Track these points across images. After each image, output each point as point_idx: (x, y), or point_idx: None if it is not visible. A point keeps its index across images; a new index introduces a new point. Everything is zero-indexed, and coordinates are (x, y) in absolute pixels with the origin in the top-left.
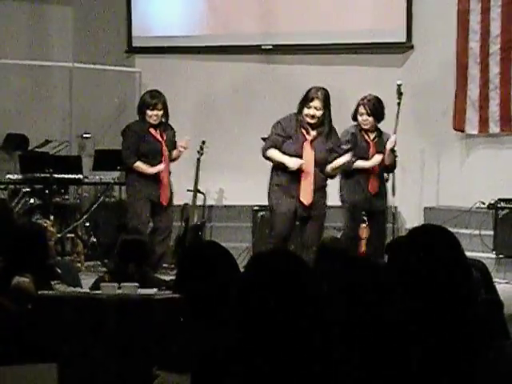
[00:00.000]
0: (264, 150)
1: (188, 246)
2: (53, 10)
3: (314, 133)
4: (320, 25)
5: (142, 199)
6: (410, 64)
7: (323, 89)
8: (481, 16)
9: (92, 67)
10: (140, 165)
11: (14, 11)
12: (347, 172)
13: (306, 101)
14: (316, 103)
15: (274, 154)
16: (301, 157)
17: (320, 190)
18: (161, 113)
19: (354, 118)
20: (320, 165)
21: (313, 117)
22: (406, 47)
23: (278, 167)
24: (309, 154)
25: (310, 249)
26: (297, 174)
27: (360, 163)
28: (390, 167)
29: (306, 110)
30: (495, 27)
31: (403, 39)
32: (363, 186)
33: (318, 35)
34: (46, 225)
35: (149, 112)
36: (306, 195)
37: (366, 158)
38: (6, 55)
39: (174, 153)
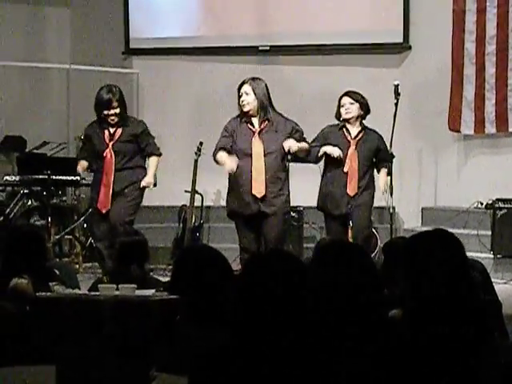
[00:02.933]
0: (213, 155)
1: (181, 249)
2: (50, 12)
3: (257, 123)
4: (317, 25)
5: (91, 210)
6: (408, 65)
7: (255, 78)
8: (476, 16)
9: (89, 69)
10: (81, 162)
11: (11, 13)
12: (315, 160)
13: (238, 92)
14: (244, 88)
15: (218, 156)
16: (250, 152)
17: (274, 183)
18: (117, 110)
19: (337, 116)
20: (270, 155)
21: (243, 102)
22: (403, 48)
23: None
24: (258, 146)
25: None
26: (248, 171)
27: (324, 148)
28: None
29: (239, 101)
30: (491, 28)
31: (400, 40)
32: (340, 188)
33: (315, 36)
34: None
35: (105, 111)
36: (259, 187)
37: (342, 161)
38: (4, 57)
39: (153, 167)
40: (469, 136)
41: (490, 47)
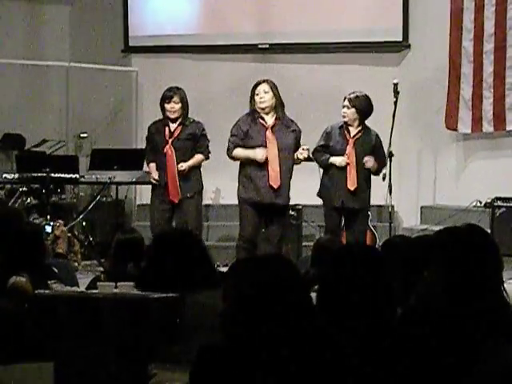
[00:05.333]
0: (229, 152)
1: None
2: (49, 9)
3: (271, 120)
4: (317, 24)
5: (154, 201)
6: (407, 63)
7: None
8: (474, 15)
9: (88, 66)
10: (151, 167)
11: (10, 10)
12: (324, 167)
13: (253, 91)
14: (263, 86)
15: (239, 152)
16: (265, 145)
17: (286, 177)
18: (178, 106)
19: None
20: (283, 151)
21: (262, 99)
22: (402, 46)
23: (246, 161)
24: (271, 141)
25: (275, 240)
26: (263, 164)
27: (332, 159)
28: (373, 171)
29: (256, 98)
30: (489, 26)
31: (400, 38)
32: (340, 182)
33: (314, 34)
34: (58, 224)
35: (166, 106)
36: (274, 178)
37: (342, 155)
38: (3, 54)
39: (194, 159)
40: (468, 135)
41: (488, 45)
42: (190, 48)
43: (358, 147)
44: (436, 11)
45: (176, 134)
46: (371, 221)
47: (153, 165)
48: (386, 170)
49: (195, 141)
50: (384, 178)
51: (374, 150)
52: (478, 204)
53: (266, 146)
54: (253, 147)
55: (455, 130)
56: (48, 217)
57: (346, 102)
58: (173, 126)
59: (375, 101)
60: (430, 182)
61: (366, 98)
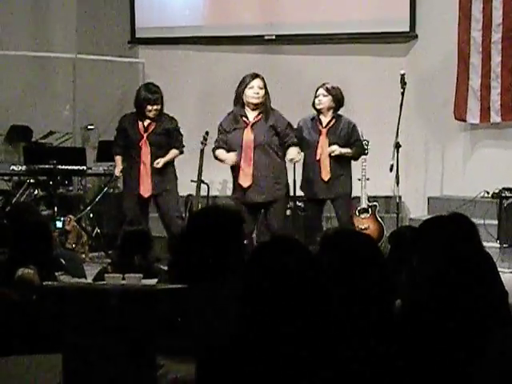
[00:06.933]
0: (213, 151)
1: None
2: (56, 1)
3: (252, 116)
4: (323, 14)
5: (126, 193)
6: (414, 54)
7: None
8: (483, 5)
9: (95, 58)
10: (117, 159)
11: (16, 2)
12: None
13: (245, 84)
14: (258, 82)
15: (218, 153)
16: (241, 144)
17: (265, 173)
18: (159, 106)
19: (313, 104)
20: (261, 147)
21: (257, 94)
22: (409, 37)
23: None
24: (248, 138)
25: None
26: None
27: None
28: (351, 156)
29: (248, 92)
30: (497, 16)
31: (407, 29)
32: (315, 174)
33: (321, 25)
34: (69, 219)
35: (149, 107)
36: (244, 177)
37: (315, 149)
38: (9, 46)
39: (170, 155)
40: (475, 125)
41: (496, 35)
42: (196, 39)
43: (330, 136)
44: (443, 1)
45: (151, 128)
46: (378, 212)
47: (119, 157)
48: (393, 161)
49: (170, 136)
50: (391, 169)
51: (347, 136)
52: (486, 195)
53: (241, 145)
54: (231, 146)
55: (464, 120)
56: (55, 209)
57: (323, 91)
58: (147, 120)
59: (382, 91)
60: (438, 172)
61: (341, 91)
